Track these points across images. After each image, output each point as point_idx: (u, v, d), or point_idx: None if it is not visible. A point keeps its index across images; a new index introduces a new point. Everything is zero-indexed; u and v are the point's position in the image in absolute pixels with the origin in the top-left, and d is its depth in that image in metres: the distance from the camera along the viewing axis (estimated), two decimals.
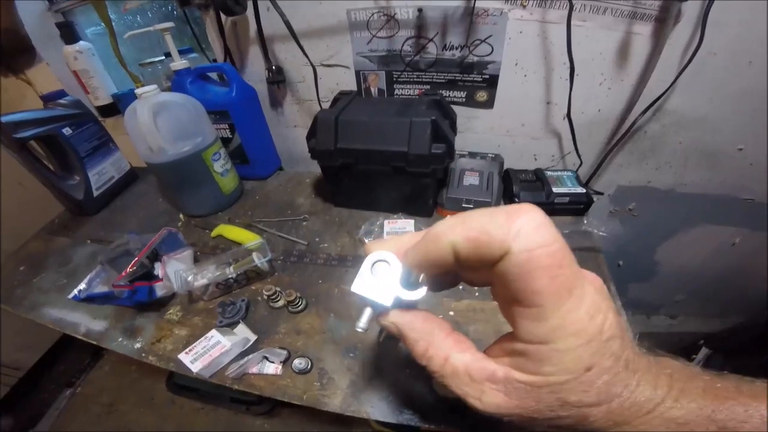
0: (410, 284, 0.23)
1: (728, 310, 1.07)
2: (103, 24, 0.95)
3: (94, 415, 1.29)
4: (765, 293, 0.97)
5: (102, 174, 0.85)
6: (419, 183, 0.64)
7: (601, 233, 0.60)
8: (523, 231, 0.18)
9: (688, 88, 0.68)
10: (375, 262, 0.23)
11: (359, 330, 0.24)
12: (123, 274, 0.56)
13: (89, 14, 1.04)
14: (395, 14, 0.72)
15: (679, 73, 0.64)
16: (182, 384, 1.17)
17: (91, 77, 0.99)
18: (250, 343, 0.52)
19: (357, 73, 0.81)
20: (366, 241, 0.64)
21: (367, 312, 0.24)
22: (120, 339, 0.56)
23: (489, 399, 0.21)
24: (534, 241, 0.18)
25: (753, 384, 0.21)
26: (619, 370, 0.20)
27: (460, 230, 0.20)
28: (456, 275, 0.26)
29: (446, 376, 0.23)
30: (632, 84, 0.70)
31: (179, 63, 0.77)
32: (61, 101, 0.82)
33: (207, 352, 0.50)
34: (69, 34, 0.96)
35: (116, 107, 1.04)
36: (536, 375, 0.20)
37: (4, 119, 0.70)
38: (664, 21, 0.61)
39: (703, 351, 1.04)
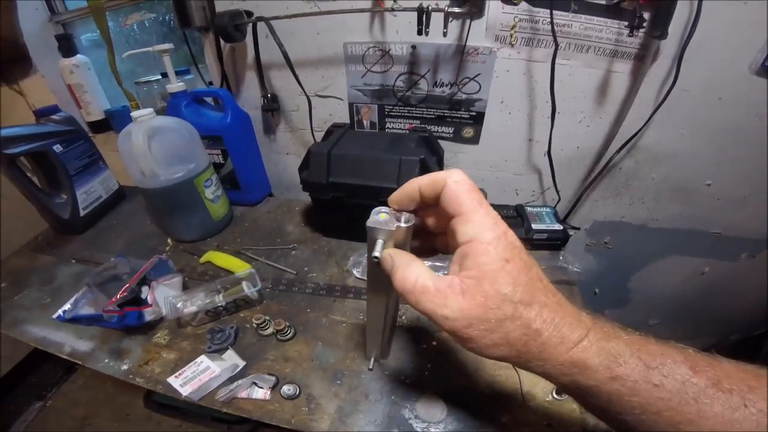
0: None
1: (699, 333, 1.12)
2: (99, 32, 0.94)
3: (66, 428, 1.26)
4: (733, 317, 1.02)
5: (90, 193, 0.85)
6: None
7: (575, 269, 0.64)
8: (452, 173, 0.29)
9: (662, 125, 0.71)
10: (378, 213, 0.32)
11: (375, 258, 0.31)
12: (113, 299, 0.56)
13: (89, 24, 1.05)
14: (390, 50, 0.75)
15: (655, 110, 0.67)
16: (161, 401, 1.15)
17: (85, 92, 0.99)
18: (239, 368, 0.53)
19: (350, 105, 0.84)
20: (354, 272, 0.66)
21: (379, 243, 0.31)
22: (106, 360, 0.56)
23: (452, 303, 0.27)
24: (457, 178, 0.28)
25: (664, 341, 0.27)
26: (534, 278, 0.27)
27: (423, 177, 0.30)
28: (431, 247, 0.35)
29: (417, 292, 0.28)
30: (610, 121, 0.74)
31: (176, 85, 0.78)
32: (54, 117, 0.81)
33: (197, 377, 0.51)
34: (67, 46, 0.96)
35: (108, 123, 1.04)
36: (476, 269, 0.26)
37: None
38: (642, 59, 0.65)
39: None
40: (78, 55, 0.98)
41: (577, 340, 0.26)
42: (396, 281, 0.29)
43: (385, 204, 0.32)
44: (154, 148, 0.65)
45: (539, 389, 0.48)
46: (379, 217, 0.31)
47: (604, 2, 0.63)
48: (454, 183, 0.28)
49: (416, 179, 0.30)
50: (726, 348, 1.08)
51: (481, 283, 0.26)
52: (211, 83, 0.92)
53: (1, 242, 1.04)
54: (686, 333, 1.13)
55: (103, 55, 0.94)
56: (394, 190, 0.66)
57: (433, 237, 0.35)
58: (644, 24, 0.61)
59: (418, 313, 0.58)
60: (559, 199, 0.82)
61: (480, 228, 0.27)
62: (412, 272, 0.29)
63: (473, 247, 0.27)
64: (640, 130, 0.71)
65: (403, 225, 0.31)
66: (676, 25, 0.59)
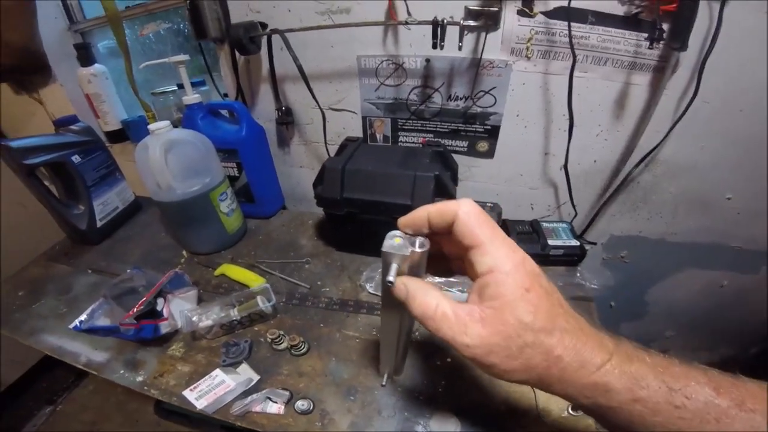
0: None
1: (718, 344, 1.09)
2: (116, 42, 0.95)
3: None
4: (753, 329, 0.99)
5: (107, 204, 0.85)
6: None
7: (592, 286, 0.63)
8: (462, 204, 0.29)
9: (681, 138, 0.70)
10: (392, 237, 0.32)
11: (389, 283, 0.31)
12: (130, 313, 0.56)
13: (107, 32, 1.06)
14: (403, 63, 0.75)
15: (675, 123, 0.66)
16: (171, 409, 1.15)
17: (103, 101, 1.01)
18: (253, 382, 0.53)
19: (364, 118, 0.84)
20: (367, 287, 0.66)
21: (393, 267, 0.31)
22: (122, 371, 0.57)
23: (472, 331, 0.27)
24: (468, 209, 0.28)
25: (688, 363, 0.27)
26: (555, 304, 0.27)
27: (432, 207, 0.30)
28: (447, 267, 0.35)
29: (437, 319, 0.29)
30: (628, 134, 0.73)
31: (191, 97, 0.78)
32: (73, 127, 0.83)
33: (212, 390, 0.52)
34: (85, 56, 0.98)
35: (125, 133, 1.05)
36: (496, 299, 0.27)
37: (16, 144, 0.71)
38: (662, 71, 0.64)
39: None
40: (96, 65, 1.00)
41: (599, 364, 0.26)
42: (415, 308, 0.30)
43: (403, 212, 0.32)
44: (170, 161, 0.65)
45: (554, 405, 0.47)
46: (394, 241, 0.31)
47: (622, 14, 0.62)
48: (465, 214, 0.28)
49: (426, 207, 0.30)
50: (746, 360, 1.06)
51: (502, 312, 0.26)
52: (226, 95, 0.93)
53: (12, 250, 1.06)
54: (704, 344, 1.10)
55: (120, 64, 0.96)
56: (408, 206, 0.67)
57: (448, 260, 0.35)
58: (664, 36, 0.59)
59: None
60: (576, 214, 0.81)
61: (497, 258, 0.27)
62: (431, 299, 0.29)
63: (492, 278, 0.27)
64: (660, 143, 0.70)
65: (417, 250, 0.31)
66: (696, 36, 0.58)
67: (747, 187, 0.74)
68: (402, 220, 0.32)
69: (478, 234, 0.28)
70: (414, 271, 0.32)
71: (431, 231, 0.31)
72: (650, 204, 0.81)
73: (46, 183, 0.78)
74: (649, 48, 0.62)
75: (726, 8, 0.55)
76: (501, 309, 0.26)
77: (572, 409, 0.46)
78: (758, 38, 0.58)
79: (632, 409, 0.25)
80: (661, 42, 0.61)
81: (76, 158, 0.78)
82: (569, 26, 0.62)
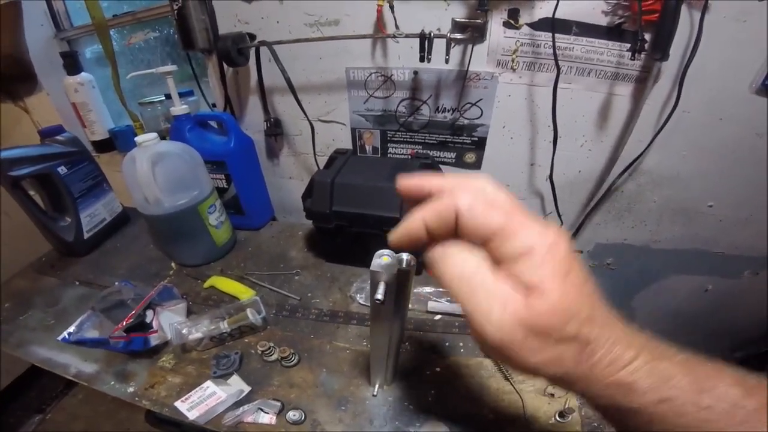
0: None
1: (707, 348, 1.11)
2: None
3: None
4: (737, 332, 1.01)
5: (94, 216, 0.84)
6: None
7: None
8: (460, 196, 0.24)
9: (663, 147, 0.71)
10: (380, 256, 0.33)
11: (377, 300, 0.31)
12: (120, 326, 0.56)
13: (94, 38, 1.05)
14: (392, 75, 0.75)
15: (657, 133, 0.67)
16: (163, 417, 1.14)
17: (90, 111, 0.99)
18: (244, 394, 0.53)
19: (353, 130, 0.85)
20: (357, 298, 0.66)
21: (381, 286, 0.32)
22: (112, 382, 0.57)
23: (512, 307, 0.22)
24: (469, 200, 0.23)
25: (715, 363, 0.24)
26: (593, 291, 0.23)
27: (426, 211, 0.25)
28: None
29: (474, 283, 0.24)
30: (611, 145, 0.74)
31: (179, 108, 0.77)
32: (59, 137, 0.81)
33: (203, 402, 0.52)
34: (72, 64, 0.97)
35: (112, 143, 1.04)
36: (534, 287, 0.22)
37: (1, 155, 0.69)
38: (644, 81, 0.65)
39: None
40: (83, 73, 0.99)
41: (628, 361, 0.23)
42: (449, 268, 0.25)
43: (392, 225, 0.31)
44: (158, 174, 0.65)
45: (542, 413, 0.48)
46: (382, 260, 0.32)
47: (605, 24, 0.63)
48: (468, 209, 0.23)
49: (418, 213, 0.25)
50: (734, 364, 1.08)
51: (543, 299, 0.22)
52: (214, 105, 0.93)
53: (1, 260, 1.05)
54: (693, 348, 1.12)
55: (107, 71, 0.95)
56: (396, 219, 0.67)
57: None
58: (646, 46, 0.60)
59: (422, 340, 0.59)
60: (561, 224, 0.83)
61: (527, 240, 0.22)
62: (473, 260, 0.24)
63: (523, 265, 0.22)
64: (642, 153, 0.71)
65: (405, 268, 0.32)
66: (677, 47, 0.59)
67: (728, 195, 0.76)
68: (395, 238, 0.27)
69: (490, 224, 0.23)
70: (402, 287, 0.33)
71: (430, 238, 0.25)
72: (634, 213, 0.82)
73: (32, 193, 0.77)
74: (631, 59, 0.63)
75: (707, 16, 0.56)
76: (541, 297, 0.22)
77: (560, 416, 0.47)
78: (736, 48, 0.59)
79: (655, 410, 0.23)
80: (643, 52, 0.62)
81: (62, 169, 0.77)
82: (554, 38, 0.63)
